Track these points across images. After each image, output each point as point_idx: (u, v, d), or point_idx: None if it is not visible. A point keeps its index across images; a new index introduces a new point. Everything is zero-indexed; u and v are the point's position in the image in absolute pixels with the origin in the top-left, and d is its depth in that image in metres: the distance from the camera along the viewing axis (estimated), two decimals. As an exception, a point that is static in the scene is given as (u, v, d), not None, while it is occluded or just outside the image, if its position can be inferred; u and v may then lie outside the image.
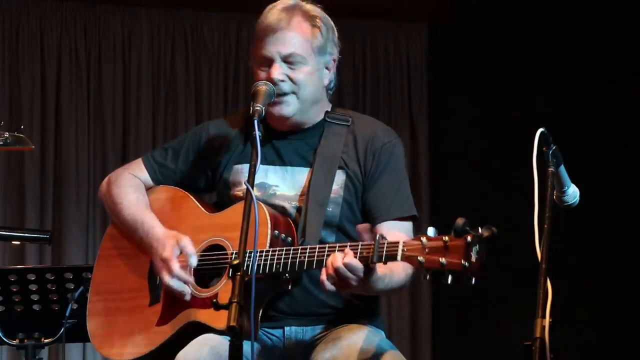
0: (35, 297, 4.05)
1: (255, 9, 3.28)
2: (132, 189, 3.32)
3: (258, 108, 3.04)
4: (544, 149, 2.99)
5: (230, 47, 6.79)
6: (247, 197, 2.82)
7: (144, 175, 3.36)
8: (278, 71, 3.15)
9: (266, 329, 3.15)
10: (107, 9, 6.67)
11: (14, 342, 4.10)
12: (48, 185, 6.48)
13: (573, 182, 3.17)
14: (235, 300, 2.64)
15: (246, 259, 2.85)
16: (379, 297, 3.26)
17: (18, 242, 5.98)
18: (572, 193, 3.17)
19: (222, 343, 3.00)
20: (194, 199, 3.28)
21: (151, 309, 3.18)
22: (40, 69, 6.54)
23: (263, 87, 3.12)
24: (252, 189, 2.83)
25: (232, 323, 2.61)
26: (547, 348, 2.65)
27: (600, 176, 5.91)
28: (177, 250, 3.11)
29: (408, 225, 3.19)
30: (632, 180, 6.17)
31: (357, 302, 3.17)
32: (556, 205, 3.04)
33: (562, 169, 3.09)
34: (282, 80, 3.15)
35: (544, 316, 2.70)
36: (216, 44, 6.80)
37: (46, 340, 4.13)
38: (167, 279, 3.09)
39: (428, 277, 2.71)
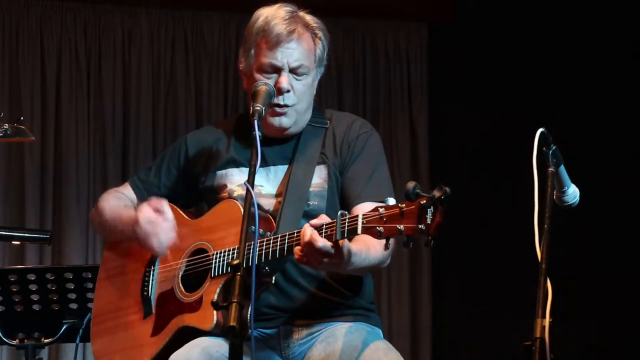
0: (35, 297, 4.06)
1: (255, 9, 3.29)
2: (113, 198, 3.40)
3: (258, 108, 3.05)
4: (544, 149, 2.99)
5: (230, 47, 6.78)
6: (247, 197, 2.84)
7: (131, 194, 3.42)
8: (287, 81, 3.19)
9: (262, 329, 3.16)
10: (107, 9, 6.67)
11: (14, 342, 4.11)
12: (48, 185, 6.48)
13: (573, 182, 3.17)
14: (235, 300, 2.64)
15: (226, 256, 3.00)
16: (369, 290, 3.26)
17: (18, 242, 5.98)
18: (572, 193, 3.17)
19: (213, 344, 3.03)
20: (177, 208, 3.30)
21: (145, 322, 3.22)
22: (40, 69, 6.54)
23: (263, 87, 3.13)
24: (252, 188, 2.84)
25: (232, 323, 2.61)
26: (547, 348, 2.66)
27: (600, 176, 5.91)
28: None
29: None
30: (632, 180, 6.17)
31: (348, 293, 3.18)
32: (556, 205, 3.05)
33: (562, 169, 3.10)
34: (288, 91, 3.19)
35: (544, 316, 2.70)
36: (216, 44, 6.80)
37: (46, 340, 4.14)
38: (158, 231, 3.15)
39: (390, 246, 2.76)
